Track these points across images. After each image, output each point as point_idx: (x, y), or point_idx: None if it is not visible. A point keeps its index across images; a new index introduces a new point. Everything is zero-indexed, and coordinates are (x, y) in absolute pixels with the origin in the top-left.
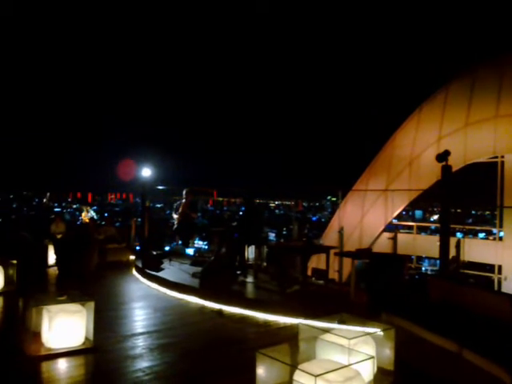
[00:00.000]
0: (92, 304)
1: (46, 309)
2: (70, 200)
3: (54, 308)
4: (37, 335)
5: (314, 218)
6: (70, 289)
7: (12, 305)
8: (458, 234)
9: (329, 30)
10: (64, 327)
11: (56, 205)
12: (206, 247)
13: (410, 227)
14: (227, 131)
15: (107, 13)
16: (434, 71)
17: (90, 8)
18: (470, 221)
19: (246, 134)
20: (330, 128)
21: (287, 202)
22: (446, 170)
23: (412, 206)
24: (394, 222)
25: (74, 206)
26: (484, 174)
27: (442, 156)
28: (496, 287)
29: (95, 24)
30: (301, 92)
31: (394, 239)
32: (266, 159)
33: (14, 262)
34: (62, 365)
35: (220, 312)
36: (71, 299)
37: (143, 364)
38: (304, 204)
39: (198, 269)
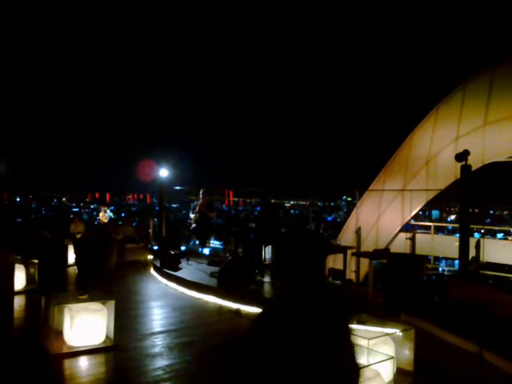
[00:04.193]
0: (112, 303)
1: (67, 307)
2: (88, 200)
3: (75, 306)
4: (59, 333)
5: (329, 218)
6: (90, 288)
7: (34, 303)
8: (476, 235)
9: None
10: (85, 325)
11: (74, 205)
12: (221, 247)
13: (427, 227)
14: (242, 131)
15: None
16: (451, 70)
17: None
18: (488, 221)
19: (260, 134)
20: (345, 128)
21: (302, 202)
22: (466, 169)
23: (429, 205)
24: (411, 222)
25: (92, 206)
26: (502, 173)
27: (462, 156)
28: None
29: (122, 28)
30: (318, 91)
31: (412, 239)
32: (281, 159)
33: (35, 261)
34: (84, 362)
35: (238, 311)
36: (92, 298)
37: (163, 362)
38: (319, 204)
39: (216, 268)
